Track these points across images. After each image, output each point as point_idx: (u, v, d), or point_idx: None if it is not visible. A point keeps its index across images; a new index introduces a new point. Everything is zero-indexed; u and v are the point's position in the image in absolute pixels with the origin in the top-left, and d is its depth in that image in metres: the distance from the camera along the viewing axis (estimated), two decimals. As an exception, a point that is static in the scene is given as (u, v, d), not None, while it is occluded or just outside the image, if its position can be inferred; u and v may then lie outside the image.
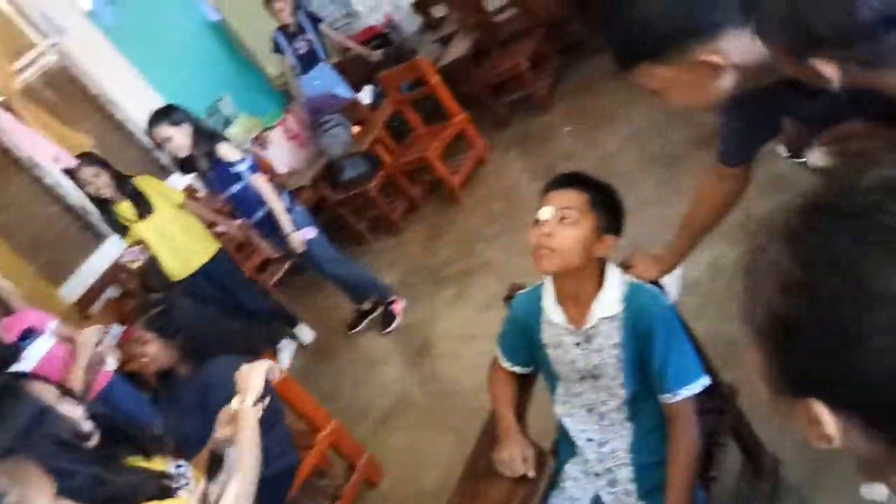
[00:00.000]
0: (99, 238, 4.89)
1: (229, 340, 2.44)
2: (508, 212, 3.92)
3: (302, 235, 3.25)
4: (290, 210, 3.30)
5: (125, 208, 3.49)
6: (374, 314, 3.68)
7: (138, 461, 1.59)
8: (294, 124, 5.11)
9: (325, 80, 4.50)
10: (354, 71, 5.08)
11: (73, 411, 1.52)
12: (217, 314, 2.71)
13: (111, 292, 4.63)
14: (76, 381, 2.76)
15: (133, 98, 5.21)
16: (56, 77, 4.98)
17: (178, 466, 1.73)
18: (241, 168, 3.24)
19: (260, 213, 3.33)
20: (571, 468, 1.56)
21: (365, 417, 3.16)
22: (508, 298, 1.79)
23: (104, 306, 4.50)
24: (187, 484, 1.69)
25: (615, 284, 1.46)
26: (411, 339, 3.49)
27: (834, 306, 0.47)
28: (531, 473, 1.51)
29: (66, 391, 1.59)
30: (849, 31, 0.75)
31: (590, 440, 1.54)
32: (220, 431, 1.62)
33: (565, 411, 1.59)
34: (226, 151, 3.23)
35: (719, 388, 1.67)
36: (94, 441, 1.52)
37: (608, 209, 1.44)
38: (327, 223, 4.94)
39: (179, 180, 4.54)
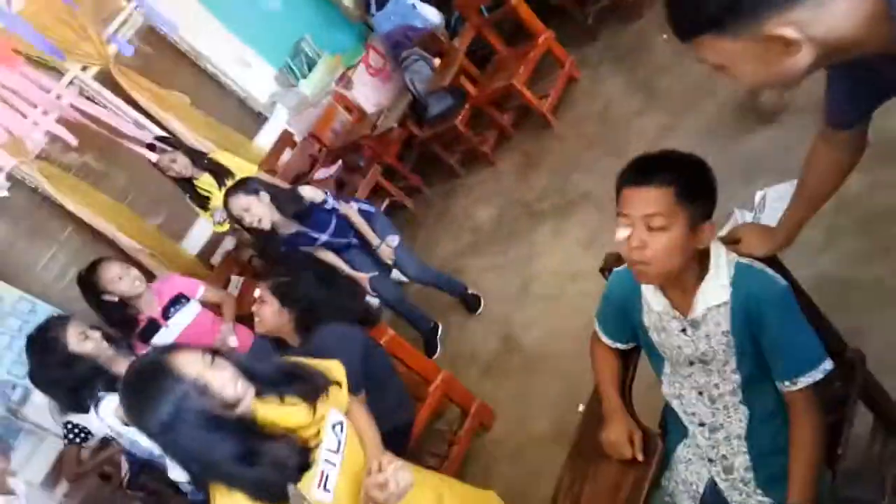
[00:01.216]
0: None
1: (346, 310, 2.53)
2: (604, 135, 3.73)
3: (391, 243, 3.24)
4: (372, 214, 3.29)
5: (206, 181, 3.65)
6: (440, 331, 3.55)
7: (293, 414, 1.53)
8: (376, 59, 5.03)
9: (400, 13, 4.34)
10: (431, -6, 4.86)
11: (222, 376, 1.46)
12: (336, 286, 2.72)
13: (228, 243, 4.91)
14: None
15: (220, 49, 5.30)
16: (145, 38, 5.11)
17: (335, 426, 1.63)
18: (331, 202, 3.13)
19: (353, 240, 3.28)
20: (683, 450, 1.53)
21: (472, 364, 3.25)
22: (604, 270, 1.72)
23: (223, 259, 4.79)
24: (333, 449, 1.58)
25: (721, 268, 1.35)
26: (511, 280, 3.48)
27: None
28: (639, 456, 1.51)
29: (214, 353, 1.51)
30: None
31: (701, 425, 1.49)
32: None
33: (674, 392, 1.54)
34: (312, 193, 3.11)
35: (844, 355, 1.56)
36: (244, 406, 1.46)
37: (698, 195, 1.28)
38: (419, 160, 4.94)
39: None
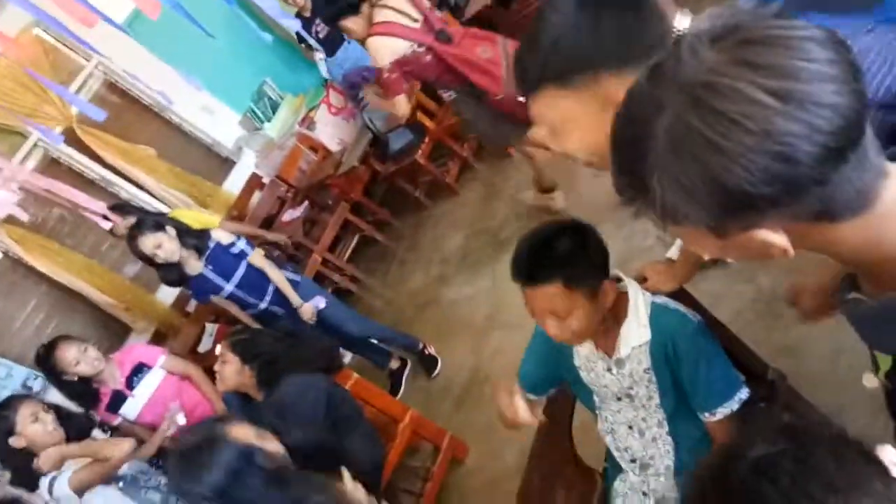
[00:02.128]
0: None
1: (306, 361, 2.57)
2: (560, 161, 3.81)
3: (313, 305, 3.16)
4: (297, 283, 3.22)
5: None
6: (407, 369, 3.54)
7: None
8: (337, 98, 5.11)
9: (352, 57, 4.41)
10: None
11: (276, 447, 1.69)
12: (295, 338, 2.74)
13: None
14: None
15: (184, 99, 5.36)
16: (109, 95, 5.18)
17: None
18: (241, 245, 3.12)
19: (270, 293, 3.19)
20: (620, 486, 1.58)
21: (445, 395, 3.29)
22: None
23: (198, 305, 4.82)
24: None
25: (640, 309, 1.42)
26: (480, 309, 3.54)
27: None
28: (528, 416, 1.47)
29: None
30: (793, 179, 0.59)
31: (633, 461, 1.54)
32: None
33: (606, 428, 1.59)
34: (220, 235, 3.11)
35: (765, 377, 1.62)
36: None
37: (585, 272, 1.33)
38: (387, 194, 5.01)
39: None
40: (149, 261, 3.03)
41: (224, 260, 3.11)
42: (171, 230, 3.01)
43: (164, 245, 2.96)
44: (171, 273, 3.10)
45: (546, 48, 0.94)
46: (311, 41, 4.44)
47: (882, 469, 0.58)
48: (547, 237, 1.34)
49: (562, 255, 1.32)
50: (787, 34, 0.59)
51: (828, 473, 0.56)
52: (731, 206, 0.63)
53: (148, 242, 2.95)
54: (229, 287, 3.13)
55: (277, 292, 3.20)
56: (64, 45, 4.86)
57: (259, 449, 1.61)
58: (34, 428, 2.53)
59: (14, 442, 2.52)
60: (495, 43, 2.86)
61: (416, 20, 2.86)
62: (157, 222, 3.01)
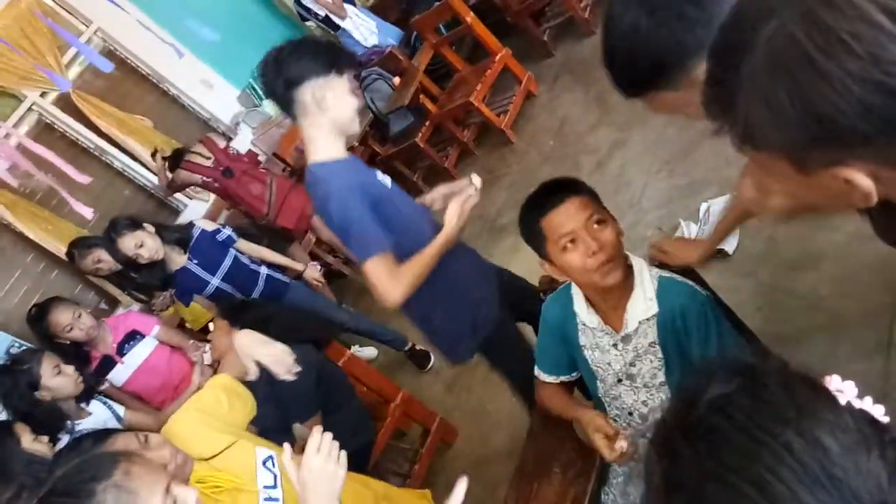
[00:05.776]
0: (175, 213, 5.12)
1: (297, 327, 2.54)
2: (561, 149, 3.79)
3: (313, 267, 3.14)
4: (286, 283, 3.09)
5: None
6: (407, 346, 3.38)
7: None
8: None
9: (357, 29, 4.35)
10: (388, 14, 4.92)
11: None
12: (289, 308, 2.66)
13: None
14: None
15: (182, 72, 5.29)
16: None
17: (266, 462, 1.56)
18: (228, 231, 2.97)
19: (260, 285, 3.00)
20: (617, 469, 1.57)
21: (436, 378, 3.27)
22: (538, 292, 1.79)
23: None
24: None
25: (646, 282, 1.40)
26: (474, 294, 3.51)
27: None
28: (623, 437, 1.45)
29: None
30: (892, 116, 0.53)
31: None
32: None
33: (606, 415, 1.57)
34: (204, 223, 2.99)
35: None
36: None
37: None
38: (383, 176, 4.97)
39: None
40: (131, 265, 2.83)
41: (210, 251, 2.95)
42: (149, 227, 2.84)
43: (146, 243, 2.76)
44: (154, 275, 2.90)
45: (632, 64, 1.00)
46: (315, 22, 4.38)
47: (830, 397, 0.58)
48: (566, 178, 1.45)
49: (582, 185, 1.42)
50: None
51: (780, 406, 0.57)
52: (817, 135, 0.56)
53: (128, 242, 2.75)
54: (215, 281, 2.95)
55: (268, 283, 3.02)
56: (63, 8, 4.78)
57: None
58: (59, 380, 2.48)
59: (41, 395, 2.46)
60: (264, 182, 3.77)
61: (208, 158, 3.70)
62: (133, 221, 2.82)
